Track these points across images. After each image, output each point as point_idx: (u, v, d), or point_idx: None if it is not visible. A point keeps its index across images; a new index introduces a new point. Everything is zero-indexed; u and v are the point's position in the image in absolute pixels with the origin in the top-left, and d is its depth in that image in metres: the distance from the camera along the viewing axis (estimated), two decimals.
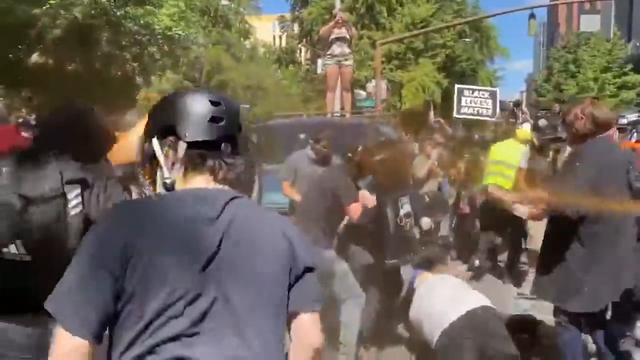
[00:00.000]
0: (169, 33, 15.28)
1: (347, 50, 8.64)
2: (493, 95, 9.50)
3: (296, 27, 38.26)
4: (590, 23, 22.99)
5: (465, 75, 29.05)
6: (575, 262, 3.16)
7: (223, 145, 1.36)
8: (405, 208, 4.05)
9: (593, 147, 3.19)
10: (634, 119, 7.07)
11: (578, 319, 3.27)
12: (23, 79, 13.06)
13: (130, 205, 1.51)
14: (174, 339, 1.21)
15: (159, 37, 15.22)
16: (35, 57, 12.84)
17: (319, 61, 28.63)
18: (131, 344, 1.21)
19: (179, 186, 1.35)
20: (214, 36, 29.20)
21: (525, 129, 5.62)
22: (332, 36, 8.63)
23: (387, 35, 24.88)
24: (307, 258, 1.37)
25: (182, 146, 1.34)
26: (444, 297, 3.54)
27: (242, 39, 34.03)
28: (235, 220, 1.30)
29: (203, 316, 1.23)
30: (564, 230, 3.20)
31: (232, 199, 1.32)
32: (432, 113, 10.20)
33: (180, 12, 17.87)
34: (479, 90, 9.91)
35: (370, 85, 16.30)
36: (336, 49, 8.63)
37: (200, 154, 1.35)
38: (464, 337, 3.30)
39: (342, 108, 8.92)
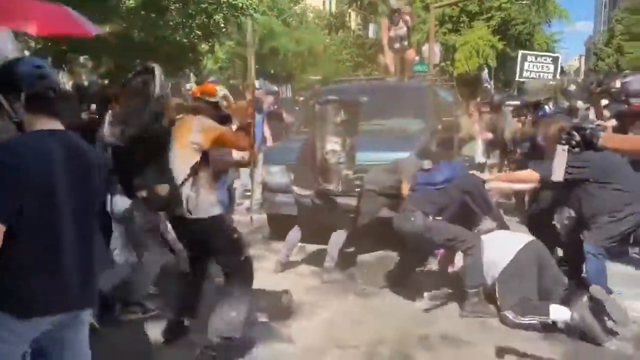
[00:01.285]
0: (233, 2, 15.75)
1: (405, 43, 8.88)
2: (555, 60, 9.95)
3: None
4: None
5: (521, 39, 28.16)
6: None
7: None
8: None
9: None
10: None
11: None
12: (97, 47, 13.63)
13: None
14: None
15: (223, 5, 15.65)
16: (108, 28, 13.47)
17: (371, 25, 28.42)
18: None
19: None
20: (266, 2, 29.25)
21: None
22: (392, 35, 8.83)
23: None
24: None
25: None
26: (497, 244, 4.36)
27: (292, 5, 33.90)
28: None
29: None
30: None
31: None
32: (485, 74, 10.33)
33: None
34: (542, 55, 10.34)
35: (424, 50, 16.19)
36: (395, 44, 8.81)
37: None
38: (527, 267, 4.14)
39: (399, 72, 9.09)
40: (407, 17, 8.94)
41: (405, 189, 4.59)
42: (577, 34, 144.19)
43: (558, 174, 2.81)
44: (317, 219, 5.18)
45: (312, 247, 5.91)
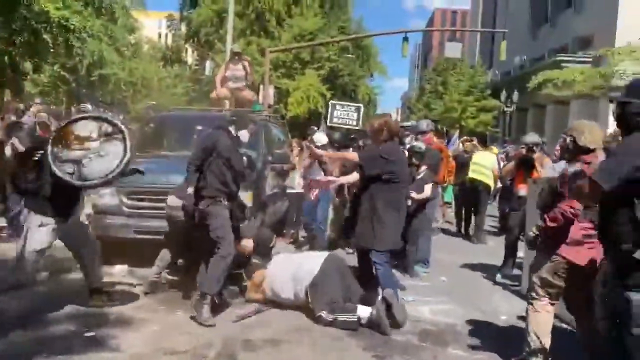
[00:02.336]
0: (64, 23, 14.95)
1: (240, 84, 9.50)
2: (358, 109, 11.59)
3: (184, 27, 37.96)
4: (453, 50, 25.66)
5: (347, 89, 30.86)
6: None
7: None
8: None
9: None
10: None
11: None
12: None
13: None
14: None
15: (54, 25, 14.80)
16: None
17: (208, 62, 28.82)
18: None
19: None
20: (97, 28, 28.11)
21: None
22: (228, 74, 9.38)
23: (275, 44, 25.81)
24: None
25: None
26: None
27: (126, 34, 33.00)
28: None
29: None
30: None
31: None
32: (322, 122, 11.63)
33: (64, 1, 17.32)
34: (348, 105, 11.90)
35: (260, 91, 17.07)
36: (231, 84, 9.40)
37: None
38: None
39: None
40: (246, 63, 9.63)
41: None
42: (396, 89, 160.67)
43: None
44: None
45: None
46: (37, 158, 4.46)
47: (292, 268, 5.00)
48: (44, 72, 23.57)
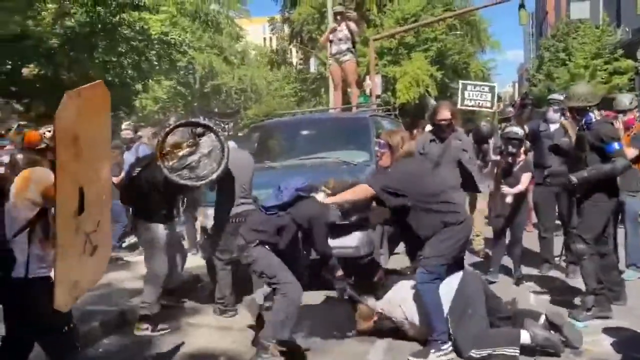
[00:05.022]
0: (165, 38, 15.40)
1: (343, 47, 8.73)
2: (492, 89, 10.21)
3: (286, 28, 38.40)
4: (579, 10, 23.01)
5: (458, 68, 29.17)
6: None
7: None
8: None
9: None
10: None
11: None
12: (18, 89, 13.00)
13: None
14: None
15: (155, 42, 15.30)
16: (30, 68, 12.79)
17: (312, 60, 28.76)
18: None
19: None
20: (205, 40, 29.19)
21: None
22: (331, 37, 8.81)
23: (378, 32, 24.98)
24: None
25: None
26: None
27: (233, 43, 34.02)
28: None
29: None
30: None
31: None
32: (430, 99, 10.57)
33: (172, 18, 17.94)
34: (480, 85, 10.63)
35: (365, 82, 16.43)
36: (334, 47, 8.80)
37: None
38: None
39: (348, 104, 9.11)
40: (351, 23, 8.85)
41: None
42: (510, 63, 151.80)
43: None
44: None
45: None
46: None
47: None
48: (161, 89, 24.79)
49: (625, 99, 5.83)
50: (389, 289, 4.33)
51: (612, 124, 4.88)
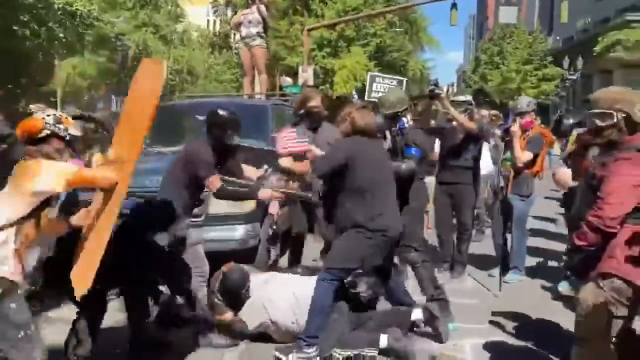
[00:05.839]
0: (69, 9, 14.24)
1: (253, 30, 8.46)
2: (401, 83, 10.07)
3: (229, 12, 37.54)
4: (508, 15, 23.79)
5: (396, 65, 29.51)
6: None
7: None
8: None
9: None
10: None
11: None
12: None
13: None
14: None
15: (59, 12, 14.11)
16: None
17: None
18: None
19: None
20: (141, 18, 28.13)
21: None
22: (241, 19, 8.54)
23: (319, 22, 24.86)
24: None
25: None
26: None
27: (171, 23, 32.90)
28: None
29: None
30: None
31: None
32: (355, 93, 10.49)
33: None
34: (390, 78, 10.46)
35: (299, 72, 16.26)
36: (244, 30, 8.50)
37: None
38: None
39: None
40: (262, 6, 8.56)
41: None
42: (450, 64, 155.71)
43: None
44: None
45: None
46: None
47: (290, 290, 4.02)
48: (90, 64, 23.64)
49: (524, 101, 5.95)
50: (256, 290, 4.08)
51: (422, 129, 5.18)
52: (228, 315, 4.00)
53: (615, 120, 2.76)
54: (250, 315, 3.96)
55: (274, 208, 5.20)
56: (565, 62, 27.51)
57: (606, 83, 25.81)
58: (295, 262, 4.99)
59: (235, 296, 3.98)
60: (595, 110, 2.85)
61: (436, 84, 5.67)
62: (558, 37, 35.38)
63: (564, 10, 18.27)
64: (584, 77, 27.93)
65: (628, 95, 2.84)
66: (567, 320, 4.03)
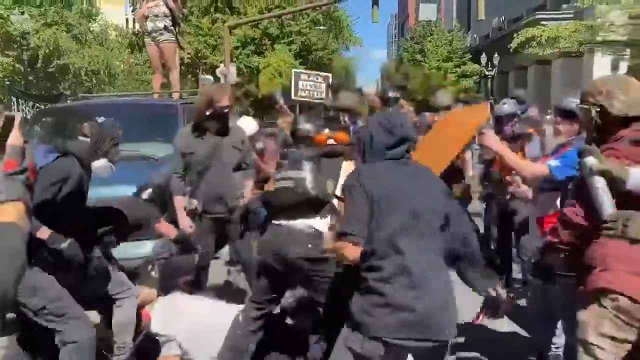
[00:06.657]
0: None
1: (160, 24, 7.77)
2: (326, 79, 9.83)
3: None
4: (428, 12, 24.47)
5: (322, 63, 29.48)
6: None
7: None
8: None
9: None
10: None
11: None
12: None
13: None
14: None
15: None
16: None
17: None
18: None
19: None
20: (52, 15, 26.50)
21: None
22: (146, 12, 7.88)
23: (241, 19, 24.38)
24: None
25: None
26: None
27: (84, 21, 31.20)
28: None
29: None
30: None
31: None
32: (278, 93, 10.08)
33: None
34: (315, 74, 10.20)
35: (220, 69, 15.77)
36: (149, 24, 7.85)
37: None
38: None
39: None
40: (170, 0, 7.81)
41: None
42: (375, 61, 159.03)
43: None
44: None
45: None
46: None
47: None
48: None
49: (445, 97, 5.91)
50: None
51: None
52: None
53: (592, 115, 2.40)
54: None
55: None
56: (483, 59, 28.51)
57: (521, 79, 27.05)
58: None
59: None
60: (581, 106, 2.49)
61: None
62: (476, 36, 36.68)
63: (481, 7, 18.83)
64: (500, 73, 29.08)
65: (606, 86, 2.43)
66: None
